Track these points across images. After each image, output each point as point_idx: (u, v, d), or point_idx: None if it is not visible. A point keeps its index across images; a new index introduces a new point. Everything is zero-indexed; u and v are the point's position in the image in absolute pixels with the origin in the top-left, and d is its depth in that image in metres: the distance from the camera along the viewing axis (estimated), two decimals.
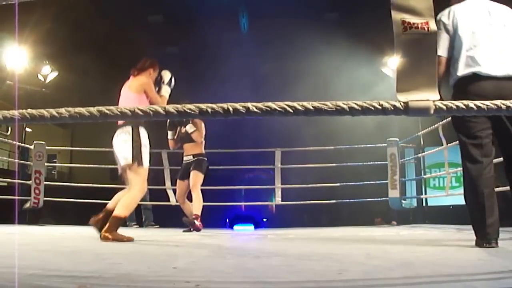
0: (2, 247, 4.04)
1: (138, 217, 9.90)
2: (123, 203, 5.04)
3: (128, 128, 5.17)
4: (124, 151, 5.16)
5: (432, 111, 1.80)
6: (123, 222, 5.23)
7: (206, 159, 7.92)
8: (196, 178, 7.68)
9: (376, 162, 9.91)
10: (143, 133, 5.26)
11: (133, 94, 5.32)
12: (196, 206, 7.60)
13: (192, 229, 7.49)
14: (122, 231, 5.02)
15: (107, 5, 16.50)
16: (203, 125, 7.93)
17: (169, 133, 7.92)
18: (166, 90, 5.74)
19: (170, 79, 5.86)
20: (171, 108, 1.49)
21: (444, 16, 4.04)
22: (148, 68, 5.68)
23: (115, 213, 4.96)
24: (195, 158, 7.81)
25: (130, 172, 5.15)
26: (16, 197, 9.37)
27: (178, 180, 7.90)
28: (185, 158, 7.94)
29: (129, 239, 4.85)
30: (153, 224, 9.80)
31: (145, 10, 17.81)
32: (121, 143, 5.19)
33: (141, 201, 9.89)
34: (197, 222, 7.44)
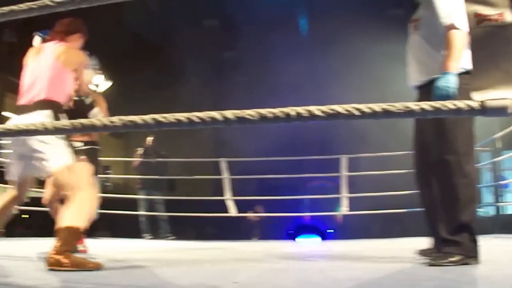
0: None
1: (153, 228, 10.00)
2: (73, 211, 3.60)
3: (49, 115, 3.78)
4: (51, 150, 3.72)
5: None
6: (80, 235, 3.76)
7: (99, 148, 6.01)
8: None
9: None
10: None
11: (63, 67, 3.95)
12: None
13: None
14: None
15: (160, 11, 16.75)
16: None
17: None
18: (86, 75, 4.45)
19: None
20: (229, 114, 1.49)
21: None
22: (76, 32, 4.34)
23: (65, 223, 3.50)
24: (87, 147, 5.78)
25: (63, 175, 3.75)
26: None
27: None
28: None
29: (96, 266, 3.37)
30: (169, 236, 9.83)
31: (200, 15, 18.01)
32: (39, 143, 3.71)
33: (156, 211, 9.99)
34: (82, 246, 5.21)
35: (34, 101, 3.80)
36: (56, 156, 3.67)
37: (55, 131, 1.72)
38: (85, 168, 3.82)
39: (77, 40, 4.27)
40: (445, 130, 3.43)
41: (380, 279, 2.79)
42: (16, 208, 4.33)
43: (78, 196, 3.60)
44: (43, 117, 3.68)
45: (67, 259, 3.25)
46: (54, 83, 3.86)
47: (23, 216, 18.30)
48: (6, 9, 1.97)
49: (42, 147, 3.66)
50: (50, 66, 3.90)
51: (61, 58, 3.92)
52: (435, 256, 3.47)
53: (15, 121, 3.77)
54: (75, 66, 4.01)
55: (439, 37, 3.36)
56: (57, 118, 3.73)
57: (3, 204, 4.08)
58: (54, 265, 3.21)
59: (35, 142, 3.67)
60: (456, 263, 3.30)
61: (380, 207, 9.82)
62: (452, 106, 1.35)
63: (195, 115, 1.54)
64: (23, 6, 1.94)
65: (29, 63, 4.07)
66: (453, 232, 3.40)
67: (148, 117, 1.60)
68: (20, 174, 3.95)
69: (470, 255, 3.37)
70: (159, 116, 1.58)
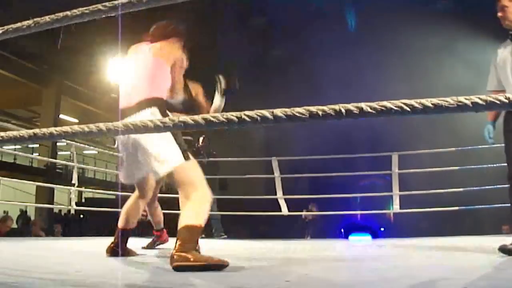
0: (113, 259, 4.15)
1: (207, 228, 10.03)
2: (191, 209, 3.50)
3: (155, 112, 3.63)
4: (163, 150, 3.56)
5: None
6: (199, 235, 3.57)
7: None
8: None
9: (504, 164, 9.48)
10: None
11: (159, 60, 3.80)
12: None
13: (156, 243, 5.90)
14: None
15: (208, 10, 16.83)
16: None
17: None
18: (216, 102, 4.20)
19: (227, 89, 4.24)
20: (279, 112, 1.49)
21: None
22: (172, 35, 4.04)
23: (184, 222, 3.41)
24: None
25: (178, 174, 3.59)
26: (119, 210, 9.68)
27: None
28: None
29: (222, 263, 3.23)
30: (222, 235, 9.81)
31: (248, 14, 18.04)
32: (154, 140, 3.55)
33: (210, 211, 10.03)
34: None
35: (136, 102, 3.65)
36: (168, 155, 3.52)
37: (107, 131, 1.74)
38: (196, 165, 3.65)
39: (174, 43, 4.00)
40: None
41: (432, 277, 2.75)
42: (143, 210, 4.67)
43: (194, 195, 3.49)
44: (148, 116, 3.50)
45: (191, 255, 3.17)
46: (153, 80, 3.71)
47: (80, 216, 18.72)
48: (60, 14, 2.00)
49: (152, 148, 3.53)
50: (146, 63, 3.78)
51: (157, 54, 3.78)
52: None
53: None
54: (171, 62, 3.82)
55: None
56: (163, 115, 3.58)
57: (129, 205, 4.44)
58: (179, 262, 3.11)
59: (144, 143, 3.54)
60: None
61: (431, 205, 9.68)
62: (504, 100, 1.33)
63: (245, 114, 1.54)
64: (76, 11, 1.97)
65: (126, 65, 4.00)
66: None
67: (198, 117, 1.61)
68: (134, 177, 3.96)
69: None
70: (209, 116, 1.59)
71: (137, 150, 3.61)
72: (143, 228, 11.46)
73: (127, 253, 4.42)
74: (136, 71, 3.81)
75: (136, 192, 4.35)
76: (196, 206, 3.48)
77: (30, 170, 22.91)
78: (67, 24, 2.07)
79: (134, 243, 5.12)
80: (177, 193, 3.54)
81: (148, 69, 3.75)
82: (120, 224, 4.45)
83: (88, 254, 4.72)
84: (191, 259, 3.12)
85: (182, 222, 3.36)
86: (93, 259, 4.17)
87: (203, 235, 9.55)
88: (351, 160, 10.49)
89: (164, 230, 5.84)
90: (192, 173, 3.58)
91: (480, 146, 9.64)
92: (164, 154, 3.50)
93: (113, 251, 4.30)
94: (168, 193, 5.68)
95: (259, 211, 10.17)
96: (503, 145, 5.77)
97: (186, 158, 3.52)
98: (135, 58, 3.91)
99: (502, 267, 3.21)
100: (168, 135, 3.52)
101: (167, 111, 3.68)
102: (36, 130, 1.86)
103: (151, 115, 3.54)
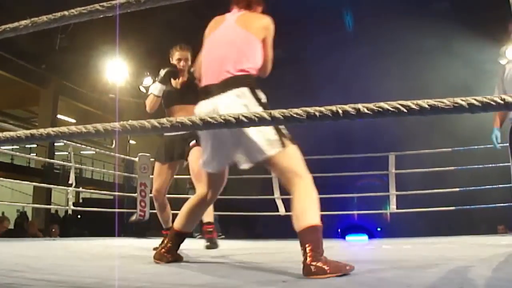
0: (111, 259, 4.16)
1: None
2: (306, 205, 3.16)
3: (245, 93, 3.26)
4: (261, 133, 3.17)
5: None
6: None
7: None
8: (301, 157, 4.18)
9: (499, 164, 9.50)
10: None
11: (250, 35, 3.42)
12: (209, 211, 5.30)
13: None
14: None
15: (207, 11, 16.79)
16: None
17: (158, 87, 5.40)
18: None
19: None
20: (276, 113, 1.49)
21: None
22: (260, 4, 3.74)
23: (307, 222, 3.08)
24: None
25: (280, 160, 3.22)
26: (116, 210, 9.68)
27: (159, 164, 5.75)
28: None
29: (351, 268, 2.94)
30: (220, 235, 9.76)
31: None
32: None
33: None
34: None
35: (222, 80, 3.30)
36: (268, 140, 3.14)
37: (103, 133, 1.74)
38: (296, 152, 3.28)
39: (259, 12, 3.66)
40: None
41: (429, 277, 2.75)
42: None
43: (300, 187, 3.18)
44: (234, 98, 3.21)
45: (327, 265, 2.84)
46: (243, 54, 3.34)
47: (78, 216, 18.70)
48: (58, 14, 2.00)
49: (250, 131, 3.13)
50: (235, 35, 3.43)
51: (243, 25, 3.44)
52: None
53: (202, 106, 3.38)
54: (262, 35, 3.45)
55: None
56: (255, 94, 3.26)
57: (191, 205, 3.83)
58: (316, 274, 2.80)
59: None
60: None
61: (427, 205, 9.70)
62: (500, 101, 1.33)
63: (243, 115, 1.55)
64: (74, 11, 1.98)
65: (209, 37, 3.60)
66: None
67: (196, 118, 1.61)
68: (218, 165, 3.55)
69: None
70: (207, 117, 1.59)
71: (230, 132, 3.24)
72: (143, 228, 11.45)
73: (178, 258, 3.90)
74: (222, 44, 3.45)
75: (203, 190, 3.77)
76: (312, 200, 3.15)
77: (27, 171, 22.85)
78: (65, 24, 2.07)
79: (142, 244, 5.14)
80: (180, 193, 3.49)
81: (236, 42, 3.39)
82: (177, 225, 3.85)
83: (86, 255, 4.71)
84: (328, 271, 2.81)
85: (305, 221, 3.06)
86: (91, 259, 4.17)
87: (200, 235, 9.56)
88: (348, 160, 10.49)
89: None
90: (292, 161, 3.22)
91: (475, 147, 9.67)
92: (261, 139, 3.14)
93: (163, 257, 3.79)
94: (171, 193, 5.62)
95: (256, 211, 10.16)
96: (500, 145, 5.84)
97: (284, 144, 3.16)
98: (220, 30, 3.54)
99: (498, 266, 3.21)
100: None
101: (258, 90, 3.32)
102: (34, 131, 1.86)
103: (237, 97, 3.21)
